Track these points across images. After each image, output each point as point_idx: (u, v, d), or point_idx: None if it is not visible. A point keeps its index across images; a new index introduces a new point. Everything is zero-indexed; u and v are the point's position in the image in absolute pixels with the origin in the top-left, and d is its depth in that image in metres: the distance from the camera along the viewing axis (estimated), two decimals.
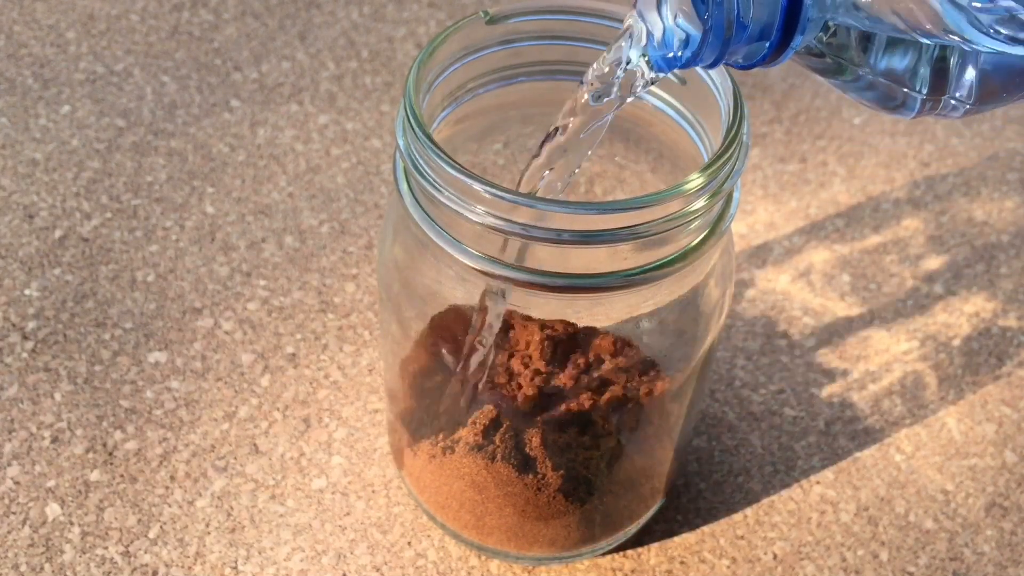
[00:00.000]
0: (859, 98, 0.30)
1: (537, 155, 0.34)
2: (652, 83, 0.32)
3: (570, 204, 0.32)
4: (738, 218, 0.57)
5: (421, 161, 0.32)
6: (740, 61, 0.29)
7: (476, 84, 0.38)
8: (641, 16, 0.31)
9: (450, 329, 0.38)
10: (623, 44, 0.32)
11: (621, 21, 0.36)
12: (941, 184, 0.60)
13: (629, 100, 0.33)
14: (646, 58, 0.31)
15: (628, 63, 0.32)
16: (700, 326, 0.38)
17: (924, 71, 0.28)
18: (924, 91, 0.28)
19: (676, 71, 0.33)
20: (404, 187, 0.34)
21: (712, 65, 0.29)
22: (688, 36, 0.30)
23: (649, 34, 0.31)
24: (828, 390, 0.50)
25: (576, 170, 0.35)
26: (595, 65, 0.33)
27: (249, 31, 0.66)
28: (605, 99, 0.33)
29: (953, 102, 0.28)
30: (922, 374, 0.51)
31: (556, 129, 0.34)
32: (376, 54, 0.65)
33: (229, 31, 0.66)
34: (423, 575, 0.43)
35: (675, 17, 0.30)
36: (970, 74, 0.27)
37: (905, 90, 0.28)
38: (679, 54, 0.30)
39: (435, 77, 0.35)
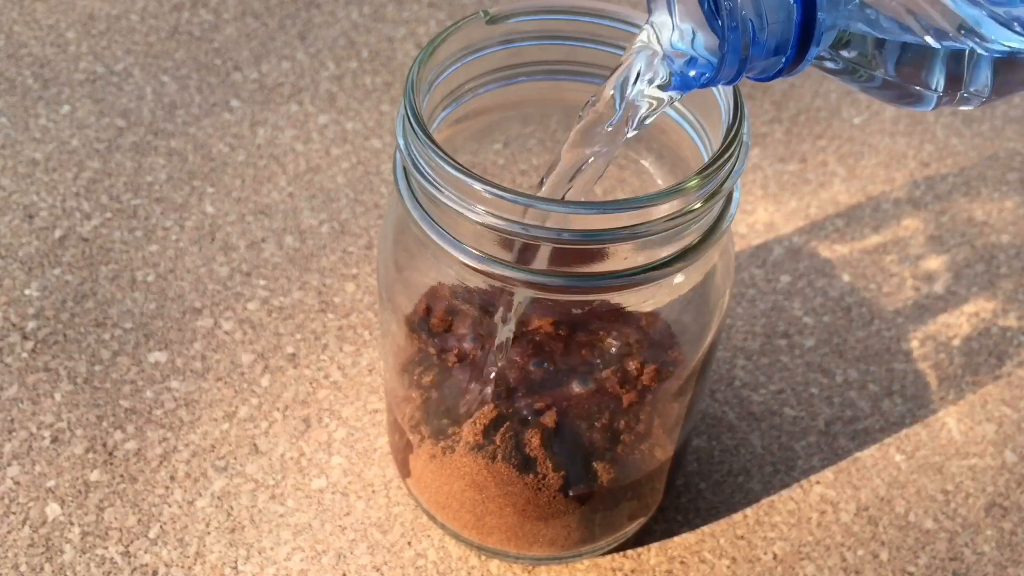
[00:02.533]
0: (874, 95, 0.30)
1: (544, 182, 0.34)
2: (667, 104, 0.32)
3: (570, 204, 0.32)
4: (738, 218, 0.57)
5: (421, 161, 0.32)
6: (758, 75, 0.29)
7: (476, 84, 0.38)
8: (656, 35, 0.31)
9: (438, 313, 0.38)
10: (632, 66, 0.31)
11: (622, 21, 0.36)
12: (941, 184, 0.60)
13: (648, 121, 0.33)
14: (658, 82, 0.31)
15: (637, 82, 0.32)
16: (700, 326, 0.38)
17: (938, 70, 0.27)
18: (940, 89, 0.28)
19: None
20: (404, 187, 0.34)
21: (731, 82, 0.29)
22: (705, 57, 0.30)
23: (667, 56, 0.31)
24: (828, 390, 0.50)
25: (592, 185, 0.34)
26: (602, 91, 0.32)
27: (249, 31, 0.66)
28: (611, 126, 0.33)
29: (968, 95, 0.28)
30: (922, 374, 0.51)
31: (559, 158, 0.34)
32: (376, 54, 0.65)
33: (229, 31, 0.66)
34: (423, 575, 0.43)
35: (692, 40, 0.30)
36: (985, 69, 0.27)
37: (920, 88, 0.28)
38: (698, 75, 0.30)
39: (435, 77, 0.35)
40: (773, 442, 0.48)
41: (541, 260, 0.32)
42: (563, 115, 0.39)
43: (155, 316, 0.51)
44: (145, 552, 0.43)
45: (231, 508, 0.44)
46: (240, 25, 0.66)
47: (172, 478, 0.45)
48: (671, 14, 0.30)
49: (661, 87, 0.31)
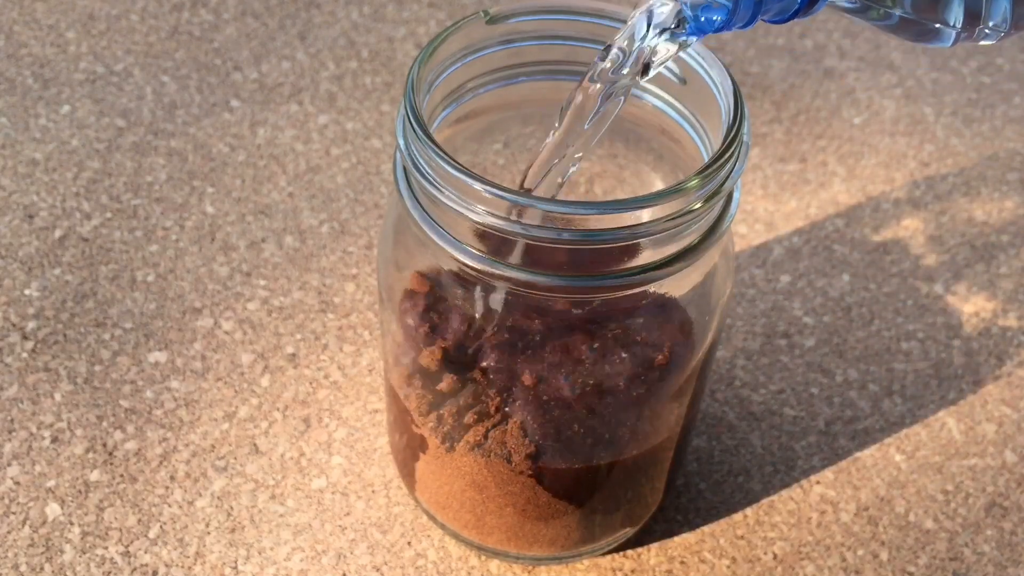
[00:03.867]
0: (891, 34, 0.29)
1: (542, 148, 0.34)
2: (680, 51, 0.32)
3: (570, 204, 0.32)
4: (738, 218, 0.57)
5: (421, 161, 0.32)
6: (773, 17, 0.29)
7: (476, 84, 0.38)
8: None
9: (424, 301, 0.38)
10: (642, 16, 0.31)
11: (622, 21, 0.36)
12: (941, 184, 0.60)
13: (646, 79, 0.32)
14: (669, 31, 0.31)
15: (646, 37, 0.31)
16: (700, 326, 0.38)
17: (956, 5, 0.27)
18: (958, 24, 0.28)
19: (679, 65, 0.33)
20: (404, 187, 0.34)
21: (746, 26, 0.29)
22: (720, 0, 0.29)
23: (681, 2, 0.30)
24: (828, 390, 0.50)
25: (576, 165, 0.34)
26: (612, 44, 0.32)
27: (249, 31, 0.66)
28: (621, 73, 0.32)
29: (988, 31, 0.28)
30: (922, 374, 0.51)
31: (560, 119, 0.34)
32: (376, 54, 0.65)
33: (229, 31, 0.66)
34: (423, 575, 0.43)
35: None
36: (1003, 2, 0.27)
37: (938, 25, 0.28)
38: (712, 19, 0.30)
39: (435, 77, 0.35)
40: (773, 442, 0.48)
41: (516, 255, 0.32)
42: None
43: (155, 316, 0.51)
44: (145, 552, 0.43)
45: (231, 508, 0.44)
46: (240, 25, 0.66)
47: (172, 478, 0.45)
48: None
49: (675, 32, 0.31)
